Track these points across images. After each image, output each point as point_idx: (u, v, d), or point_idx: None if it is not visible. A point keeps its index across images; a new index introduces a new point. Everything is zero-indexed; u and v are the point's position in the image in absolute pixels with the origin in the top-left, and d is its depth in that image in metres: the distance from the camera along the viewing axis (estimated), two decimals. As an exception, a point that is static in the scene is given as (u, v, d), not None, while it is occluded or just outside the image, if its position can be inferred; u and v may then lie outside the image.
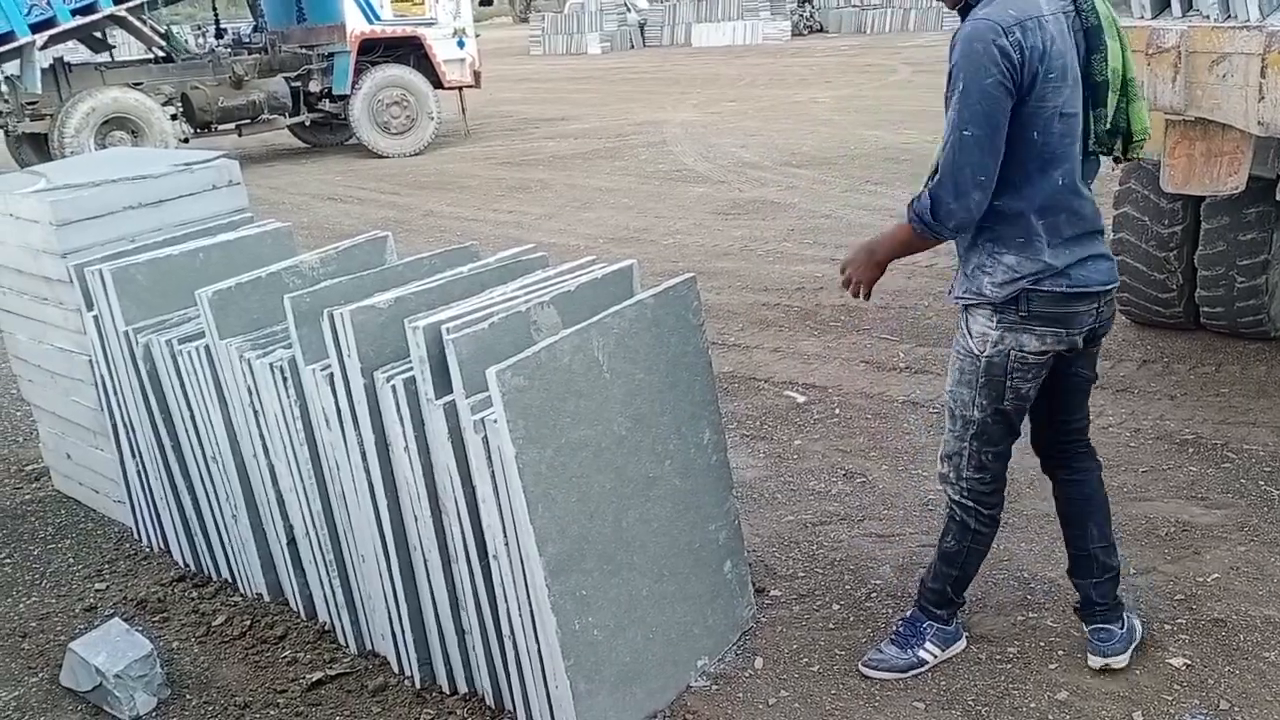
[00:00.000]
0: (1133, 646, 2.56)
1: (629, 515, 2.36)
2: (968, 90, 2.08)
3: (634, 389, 2.37)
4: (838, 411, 4.18)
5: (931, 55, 20.03)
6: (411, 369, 2.28)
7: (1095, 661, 2.54)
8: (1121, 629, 2.54)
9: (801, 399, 4.33)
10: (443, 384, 2.22)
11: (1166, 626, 2.69)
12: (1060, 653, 2.62)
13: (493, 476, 2.16)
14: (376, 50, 12.23)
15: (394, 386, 2.29)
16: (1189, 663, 2.55)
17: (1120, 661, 2.52)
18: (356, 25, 11.85)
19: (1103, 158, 2.35)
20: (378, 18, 11.99)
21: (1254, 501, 3.28)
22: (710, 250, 6.90)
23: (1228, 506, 3.26)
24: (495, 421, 2.11)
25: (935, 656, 2.61)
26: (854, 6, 30.63)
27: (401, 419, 2.31)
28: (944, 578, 2.59)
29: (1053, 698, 2.46)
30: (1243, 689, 2.45)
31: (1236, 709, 2.39)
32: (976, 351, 2.33)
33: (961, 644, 2.66)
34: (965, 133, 2.10)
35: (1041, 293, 2.23)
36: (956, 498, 2.50)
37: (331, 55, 12.15)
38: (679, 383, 2.50)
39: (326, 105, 12.37)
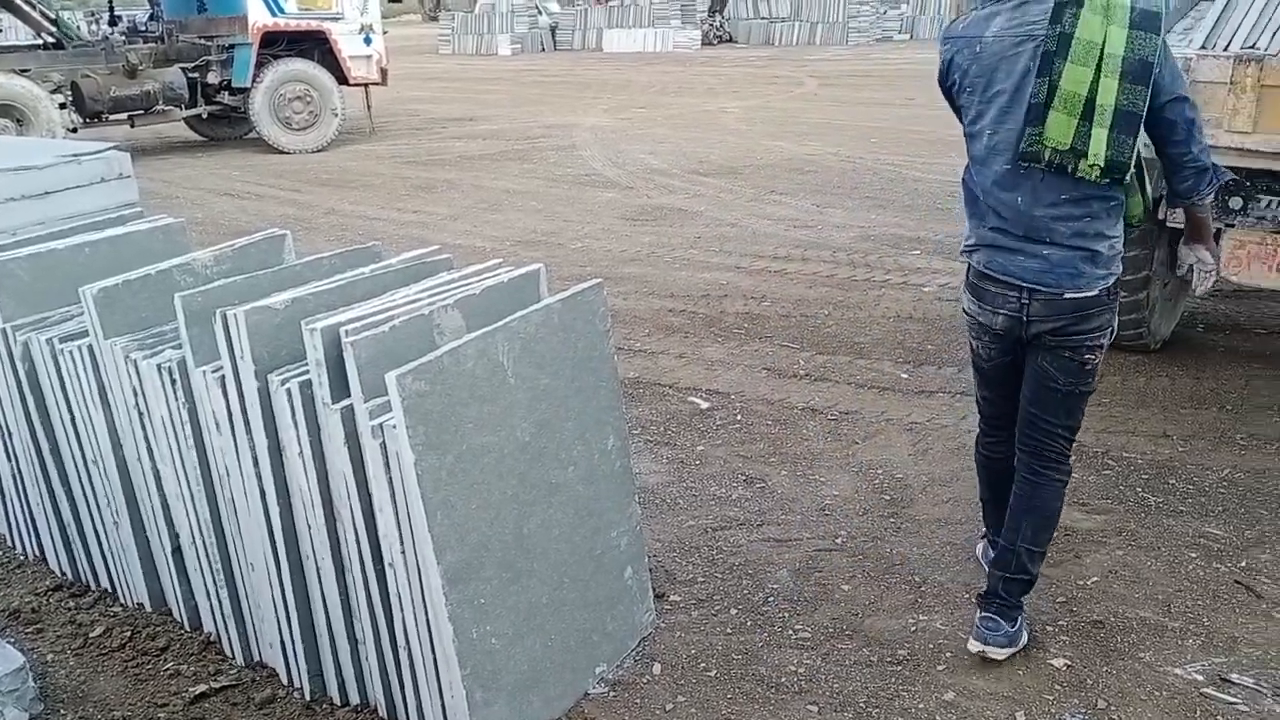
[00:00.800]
0: (1014, 648, 2.66)
1: (531, 522, 2.34)
2: None
3: (539, 394, 2.36)
4: (739, 418, 4.23)
5: (837, 69, 20.49)
6: (308, 372, 2.22)
7: (974, 646, 2.66)
8: (1011, 627, 2.65)
9: (705, 405, 4.37)
10: (340, 388, 2.17)
11: (1049, 628, 2.79)
12: (948, 655, 2.70)
13: (390, 483, 2.12)
14: (280, 43, 11.92)
15: (289, 390, 2.23)
16: (1069, 663, 2.65)
17: (996, 653, 2.64)
18: (259, 17, 11.54)
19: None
20: (282, 11, 11.70)
21: (1132, 507, 3.43)
22: (618, 256, 6.91)
23: (1107, 512, 3.40)
24: (394, 427, 2.07)
25: (979, 555, 3.09)
26: (762, 19, 31.14)
27: (296, 423, 2.25)
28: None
29: (940, 698, 2.53)
30: (1119, 688, 2.56)
31: (1113, 708, 2.49)
32: None
33: None
34: None
35: (971, 264, 2.64)
36: None
37: (232, 47, 11.79)
38: (584, 388, 2.49)
39: (225, 98, 12.00)
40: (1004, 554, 2.68)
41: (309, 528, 2.35)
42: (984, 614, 2.67)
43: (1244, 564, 3.07)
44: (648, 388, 4.58)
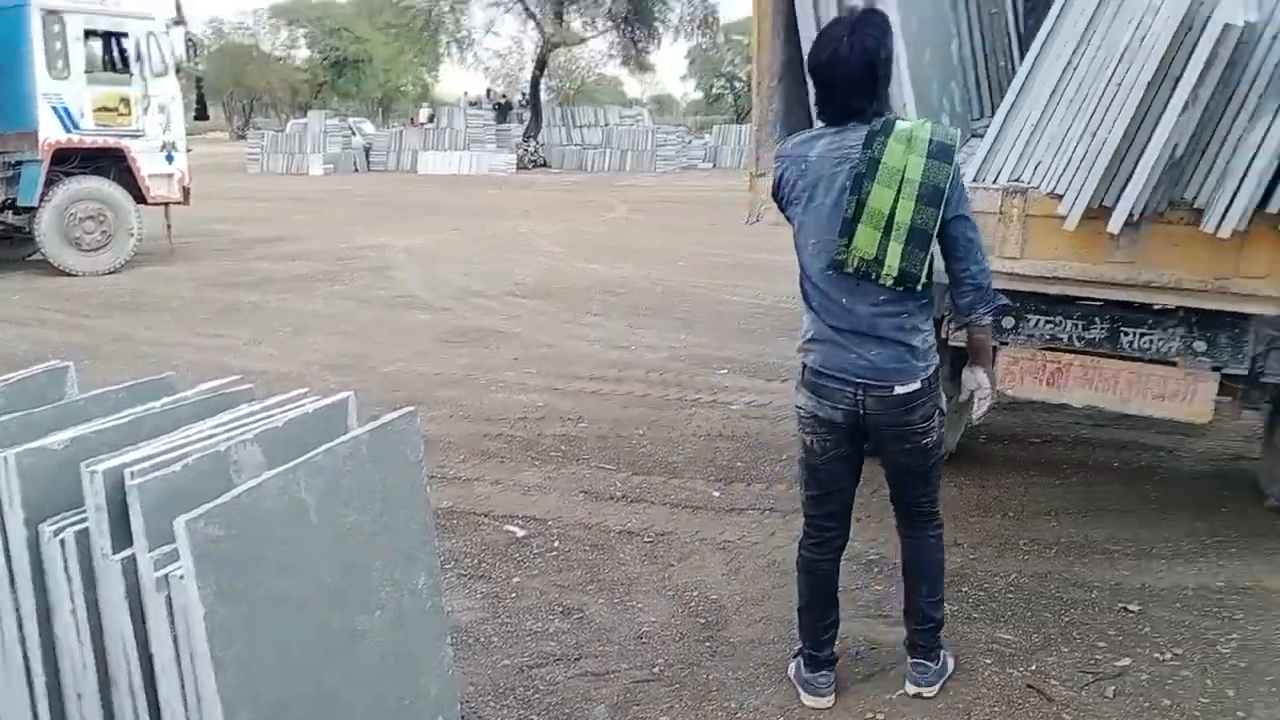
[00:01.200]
0: (944, 679, 3.06)
1: (333, 674, 2.21)
2: None
3: (345, 534, 2.26)
4: (557, 544, 4.19)
5: (647, 195, 21.36)
6: (86, 520, 2.06)
7: (910, 689, 3.03)
8: (936, 664, 3.06)
9: (521, 533, 4.31)
10: (123, 536, 2.02)
11: (860, 746, 2.85)
12: (767, 780, 2.70)
13: (175, 642, 1.97)
14: (73, 160, 11.33)
15: (63, 540, 2.06)
16: (880, 780, 2.71)
17: (930, 691, 3.02)
18: (51, 133, 10.97)
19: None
20: (77, 127, 11.17)
21: (931, 618, 3.58)
22: (432, 379, 6.83)
23: (910, 624, 3.54)
24: (182, 578, 1.94)
25: (792, 674, 3.12)
26: (575, 145, 32.29)
27: (70, 578, 2.06)
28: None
29: (761, 828, 2.52)
30: (927, 801, 2.62)
31: (922, 822, 2.55)
32: None
33: (815, 700, 3.00)
34: None
35: (805, 362, 2.85)
36: None
37: (20, 164, 11.14)
38: (394, 524, 2.41)
39: (9, 217, 11.26)
40: (911, 610, 3.05)
41: (79, 699, 2.13)
42: (911, 660, 3.07)
43: (1034, 667, 3.24)
44: (462, 517, 4.48)
